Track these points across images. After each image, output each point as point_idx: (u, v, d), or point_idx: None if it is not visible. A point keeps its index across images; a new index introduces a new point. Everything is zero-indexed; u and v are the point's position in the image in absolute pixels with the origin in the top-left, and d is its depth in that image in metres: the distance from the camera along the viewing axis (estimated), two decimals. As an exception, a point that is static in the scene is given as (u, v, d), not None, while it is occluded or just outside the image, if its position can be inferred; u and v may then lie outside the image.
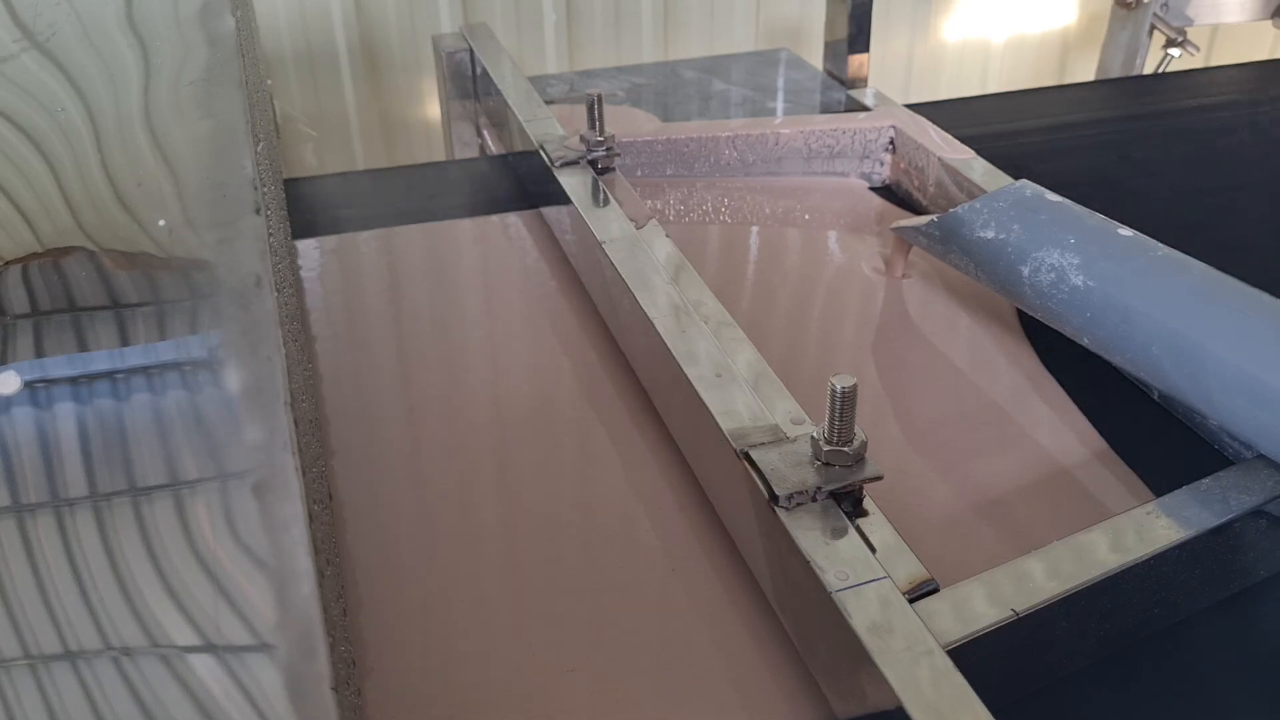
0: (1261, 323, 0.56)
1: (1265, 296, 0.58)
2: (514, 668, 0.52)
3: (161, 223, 0.38)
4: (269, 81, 1.18)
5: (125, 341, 0.36)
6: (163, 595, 0.31)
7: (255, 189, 0.38)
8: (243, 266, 0.37)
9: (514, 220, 0.95)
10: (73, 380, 0.36)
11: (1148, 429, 0.68)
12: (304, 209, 0.97)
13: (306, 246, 0.91)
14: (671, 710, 0.50)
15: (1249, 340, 0.55)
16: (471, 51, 1.14)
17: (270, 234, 0.41)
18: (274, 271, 0.42)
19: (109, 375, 0.35)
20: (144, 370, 0.36)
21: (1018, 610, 0.47)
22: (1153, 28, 1.45)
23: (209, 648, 0.30)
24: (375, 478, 0.64)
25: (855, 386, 0.50)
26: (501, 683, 0.52)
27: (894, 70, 1.78)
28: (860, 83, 1.24)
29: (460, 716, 0.50)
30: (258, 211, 0.38)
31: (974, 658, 0.45)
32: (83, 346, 0.37)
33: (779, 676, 0.52)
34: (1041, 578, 0.49)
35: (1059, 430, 0.68)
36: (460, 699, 0.51)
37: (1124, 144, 1.08)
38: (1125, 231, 0.65)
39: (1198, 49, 1.47)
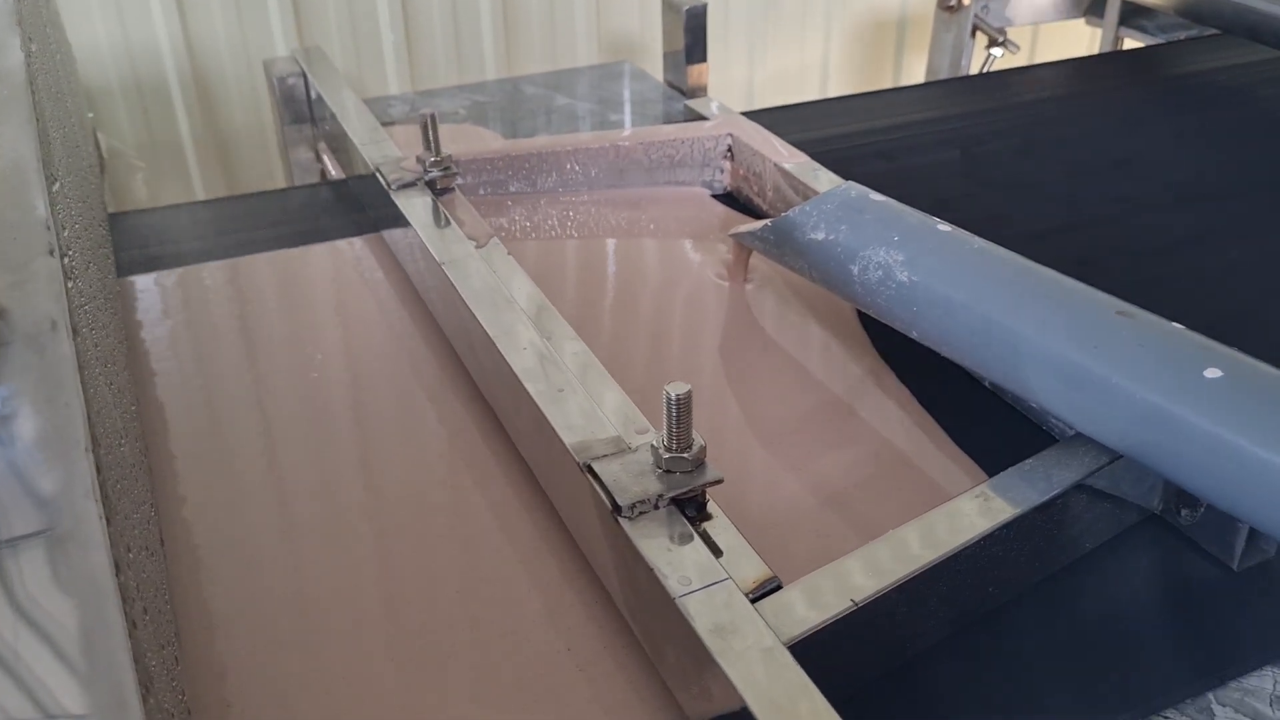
0: (1070, 308, 0.59)
1: (1071, 282, 0.62)
2: (376, 690, 0.51)
3: (-55, 269, 0.36)
4: (90, 115, 1.14)
5: (-89, 396, 0.35)
6: (-44, 660, 0.29)
7: (48, 229, 0.37)
8: (36, 311, 0.35)
9: (359, 245, 0.93)
10: None
11: (981, 414, 0.70)
12: (139, 243, 0.94)
13: (145, 282, 0.88)
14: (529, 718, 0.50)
15: (1059, 325, 0.58)
16: (305, 75, 1.12)
17: (71, 277, 0.40)
18: (80, 313, 0.41)
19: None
20: (-67, 425, 0.34)
21: (856, 600, 0.49)
22: (975, 29, 1.51)
23: (11, 704, 0.29)
24: (229, 519, 0.62)
25: (690, 393, 0.51)
26: (364, 703, 0.51)
27: (735, 78, 1.81)
28: (700, 92, 1.26)
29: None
30: (52, 253, 0.36)
31: (817, 650, 0.46)
32: None
33: (633, 683, 0.52)
34: (879, 566, 0.51)
35: (899, 421, 0.70)
36: (312, 737, 0.50)
37: (951, 142, 1.12)
38: (944, 227, 0.67)
39: (1018, 48, 1.54)
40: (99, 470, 0.34)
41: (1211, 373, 0.52)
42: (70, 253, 0.41)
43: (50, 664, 0.30)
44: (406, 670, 0.53)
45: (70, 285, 0.39)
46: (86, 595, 0.31)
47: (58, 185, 0.42)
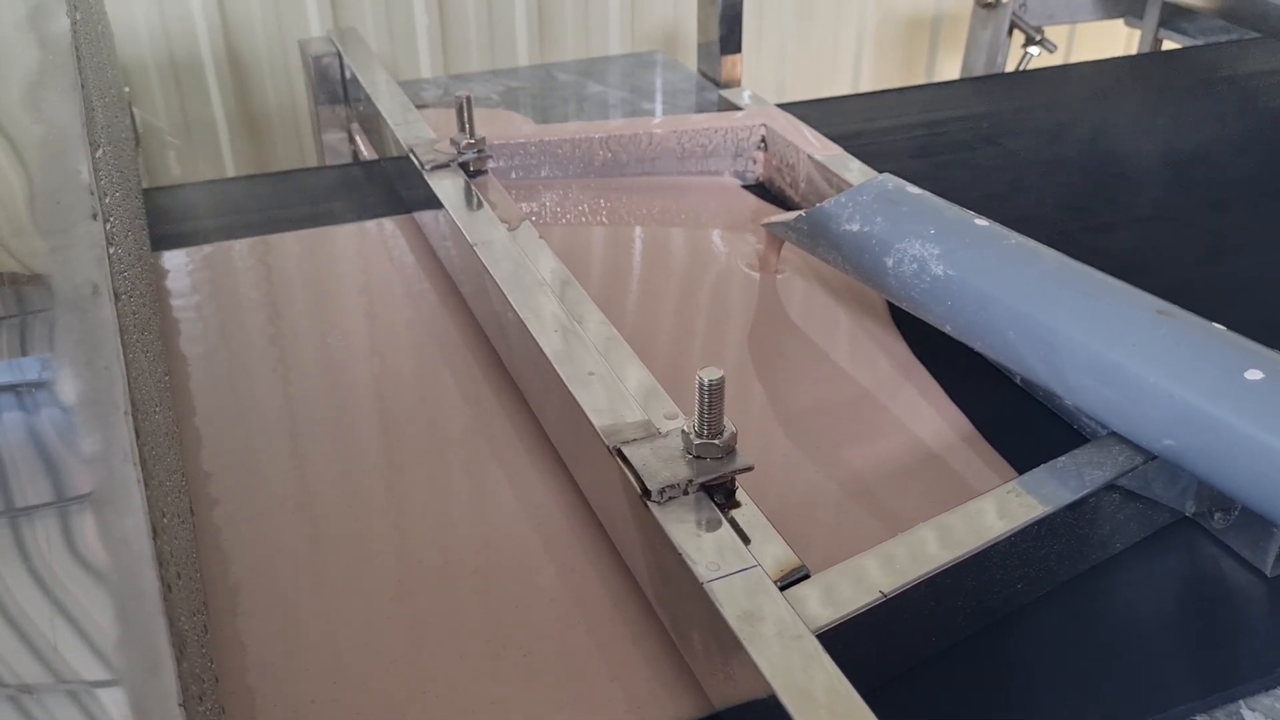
0: (1108, 305, 0.59)
1: (1111, 280, 0.61)
2: (398, 674, 0.52)
3: (-11, 231, 0.36)
4: (126, 89, 1.14)
5: (-48, 356, 0.35)
6: (-7, 618, 0.30)
7: (91, 194, 0.37)
8: (78, 274, 0.35)
9: (389, 225, 0.94)
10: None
11: (1011, 411, 0.70)
12: (171, 218, 0.94)
13: (175, 257, 0.88)
14: (552, 709, 0.50)
15: (1097, 322, 0.58)
16: (340, 56, 1.12)
17: (112, 243, 0.40)
18: (120, 279, 0.41)
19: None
20: (-26, 385, 0.34)
21: (885, 592, 0.48)
22: (1012, 26, 1.50)
23: (45, 668, 0.29)
24: (254, 493, 0.63)
25: (722, 379, 0.51)
26: (384, 687, 0.51)
27: (767, 72, 1.81)
28: (733, 83, 1.26)
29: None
30: (94, 217, 0.36)
31: (844, 640, 0.46)
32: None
33: (658, 671, 0.52)
34: (908, 559, 0.50)
35: (929, 416, 0.70)
36: (343, 702, 0.50)
37: (985, 138, 1.11)
38: (981, 221, 0.67)
39: (1055, 47, 1.53)
40: (137, 435, 0.34)
41: (1253, 374, 0.52)
42: (111, 219, 0.41)
43: (85, 627, 0.30)
44: (421, 641, 0.53)
45: (111, 251, 0.39)
46: (123, 558, 0.31)
47: (100, 152, 0.42)
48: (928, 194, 0.71)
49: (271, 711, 0.49)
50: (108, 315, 0.35)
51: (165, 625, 0.30)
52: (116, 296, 0.37)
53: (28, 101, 0.40)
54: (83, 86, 0.42)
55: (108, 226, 0.40)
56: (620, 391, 0.58)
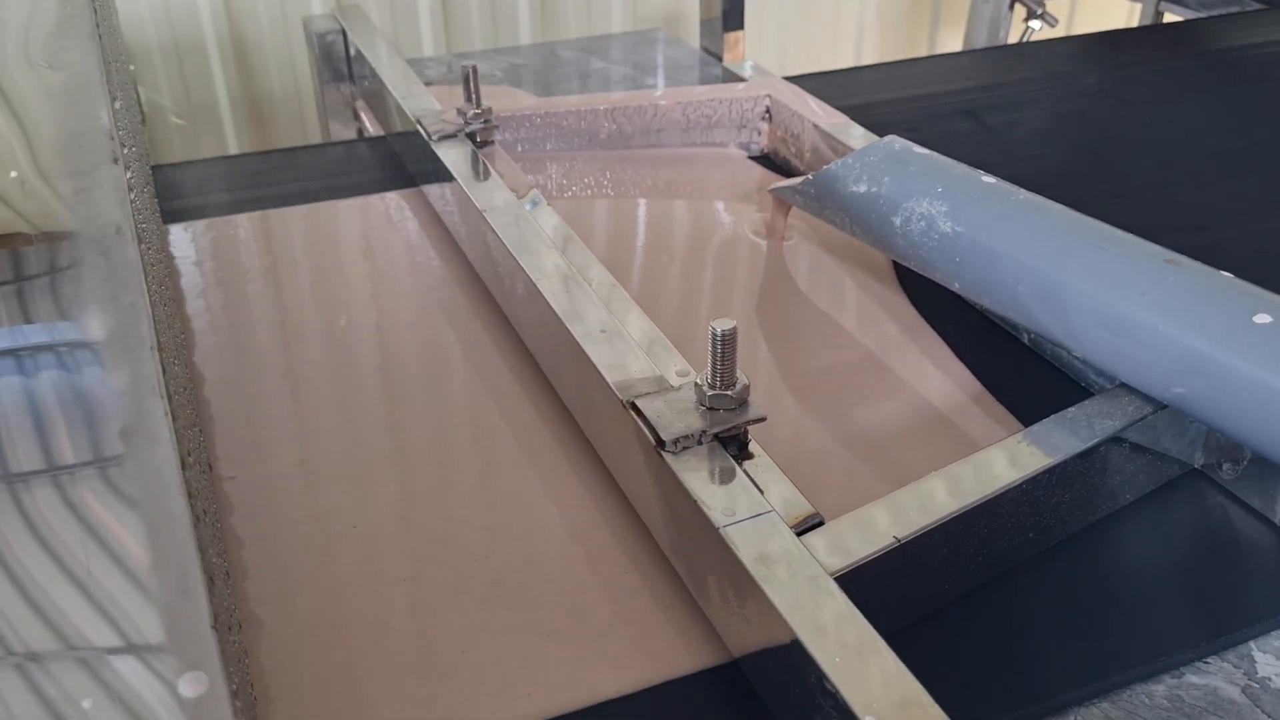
0: (1115, 256, 0.59)
1: (1118, 232, 0.61)
2: (409, 631, 0.52)
3: (13, 174, 0.37)
4: (131, 67, 1.14)
5: (-21, 296, 0.35)
6: (32, 542, 0.30)
7: (112, 139, 0.37)
8: (102, 215, 0.36)
9: (394, 199, 0.94)
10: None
11: (1019, 369, 0.70)
12: (175, 194, 0.94)
13: (179, 231, 0.88)
14: (569, 662, 0.51)
15: (1104, 273, 0.58)
16: (345, 33, 1.12)
17: (132, 190, 0.40)
18: (138, 226, 0.41)
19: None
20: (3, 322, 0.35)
21: (899, 537, 0.49)
22: (1014, 1, 1.50)
23: (81, 592, 0.29)
24: (261, 464, 0.63)
25: (735, 329, 0.51)
26: (396, 647, 0.51)
27: (768, 46, 1.81)
28: (736, 60, 1.26)
29: (355, 685, 0.49)
30: (116, 161, 0.36)
31: (859, 585, 0.46)
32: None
33: (673, 621, 0.53)
34: (920, 507, 0.51)
35: (936, 374, 0.70)
36: (354, 669, 0.50)
37: (987, 109, 1.12)
38: (989, 179, 0.67)
39: (1056, 21, 1.53)
40: (163, 370, 0.34)
41: (1261, 318, 0.52)
42: (130, 170, 0.42)
43: (118, 553, 0.30)
44: (431, 599, 0.54)
45: (131, 197, 0.39)
46: (153, 489, 0.31)
47: (118, 103, 0.43)
48: (935, 154, 0.71)
49: (274, 663, 0.50)
50: (132, 255, 0.35)
51: (196, 550, 0.30)
52: (139, 239, 0.38)
53: (48, 48, 0.41)
54: (99, 35, 0.43)
55: (128, 175, 0.40)
56: (632, 348, 0.59)
